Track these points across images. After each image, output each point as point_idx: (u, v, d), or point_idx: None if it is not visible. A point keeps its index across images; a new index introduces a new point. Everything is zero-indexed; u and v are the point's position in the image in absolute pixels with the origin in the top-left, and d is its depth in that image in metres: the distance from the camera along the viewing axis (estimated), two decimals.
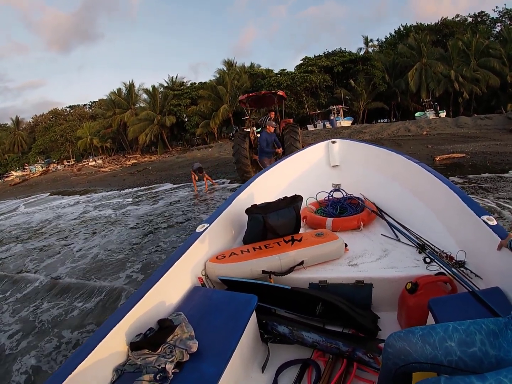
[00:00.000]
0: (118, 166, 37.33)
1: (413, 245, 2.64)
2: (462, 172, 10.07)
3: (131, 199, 13.29)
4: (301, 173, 4.50)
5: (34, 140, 63.06)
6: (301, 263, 2.39)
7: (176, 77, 52.02)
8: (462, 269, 2.20)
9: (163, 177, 19.26)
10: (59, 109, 69.64)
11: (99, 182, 24.18)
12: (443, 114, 35.80)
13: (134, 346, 1.63)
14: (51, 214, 12.73)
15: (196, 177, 12.61)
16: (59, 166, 54.78)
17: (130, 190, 16.33)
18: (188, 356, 1.60)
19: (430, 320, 1.78)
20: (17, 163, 62.96)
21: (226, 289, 2.32)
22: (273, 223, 2.70)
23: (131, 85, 49.63)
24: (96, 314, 4.02)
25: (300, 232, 2.90)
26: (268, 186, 3.87)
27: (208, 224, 2.60)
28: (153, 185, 16.58)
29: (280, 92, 11.48)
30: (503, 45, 38.49)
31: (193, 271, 2.31)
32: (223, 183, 13.68)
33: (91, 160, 52.58)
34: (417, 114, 37.68)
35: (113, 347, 1.60)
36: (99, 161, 49.16)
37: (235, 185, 12.27)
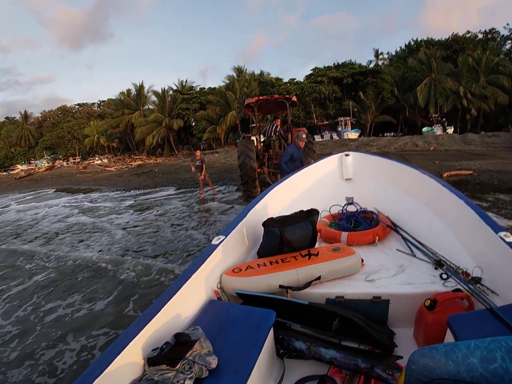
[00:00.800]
0: (123, 167, 37.65)
1: (429, 261, 2.64)
2: (468, 189, 10.07)
3: (133, 201, 13.48)
4: (314, 186, 4.49)
5: (41, 135, 63.43)
6: (319, 278, 2.37)
7: (186, 81, 52.54)
8: (478, 285, 2.19)
9: (169, 180, 19.33)
10: (68, 106, 70.35)
11: (104, 181, 24.34)
12: (450, 130, 35.83)
13: (152, 361, 1.59)
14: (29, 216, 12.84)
15: (193, 167, 12.35)
16: (64, 163, 55.28)
17: (136, 192, 16.39)
18: (207, 372, 1.57)
19: (449, 337, 1.77)
20: (23, 157, 63.24)
21: (241, 303, 2.29)
22: (290, 237, 2.67)
23: (141, 87, 50.03)
24: None
25: (315, 246, 2.88)
26: (282, 199, 3.86)
27: (224, 236, 2.58)
28: (159, 188, 16.67)
29: (294, 98, 10.65)
30: None
31: (209, 284, 2.29)
32: (227, 192, 13.19)
33: (97, 158, 53.01)
34: (424, 129, 37.63)
35: (129, 361, 1.58)
36: (105, 160, 49.57)
37: (236, 195, 12.17)
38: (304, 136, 6.71)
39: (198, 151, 12.80)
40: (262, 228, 2.76)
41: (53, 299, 4.84)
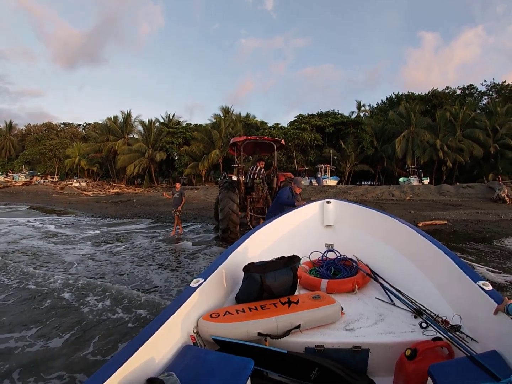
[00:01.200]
0: (101, 192, 37.12)
1: (409, 310, 2.68)
2: (442, 238, 10.24)
3: (103, 229, 12.92)
4: (295, 231, 4.49)
5: (23, 149, 62.84)
6: (298, 326, 2.34)
7: (173, 115, 53.24)
8: (458, 333, 2.24)
9: (147, 211, 18.97)
10: (53, 123, 70.16)
11: (80, 205, 23.83)
12: (426, 181, 37.32)
13: None
14: None
15: (170, 196, 11.83)
16: (42, 180, 54.20)
17: (112, 220, 15.95)
18: None
19: None
20: (1, 167, 62.09)
21: (218, 349, 2.22)
22: (270, 284, 2.64)
23: (128, 115, 50.58)
24: None
25: (295, 293, 2.87)
26: (262, 243, 3.84)
27: (203, 279, 2.53)
28: (135, 219, 16.26)
29: (282, 141, 10.23)
30: (488, 117, 41.17)
31: (185, 328, 2.22)
32: (202, 232, 12.26)
33: (75, 181, 52.35)
34: (401, 180, 38.98)
35: None
36: (83, 184, 48.92)
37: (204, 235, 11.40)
38: (302, 182, 6.33)
39: (179, 184, 12.49)
40: (242, 272, 2.72)
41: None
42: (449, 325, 2.33)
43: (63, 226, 13.93)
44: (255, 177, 10.18)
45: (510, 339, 1.86)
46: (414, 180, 36.88)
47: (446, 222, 13.43)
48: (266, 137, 10.86)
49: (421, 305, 2.69)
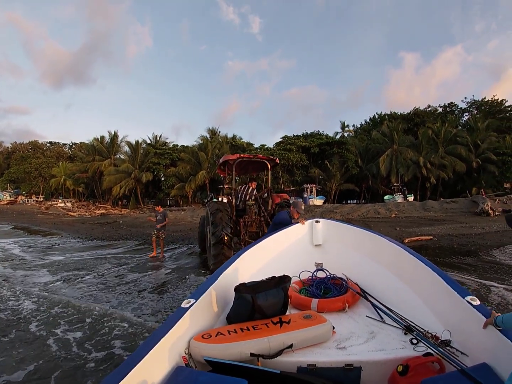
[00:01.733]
0: (87, 213, 36.65)
1: (399, 327, 2.71)
2: (428, 254, 10.39)
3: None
4: (285, 251, 4.50)
5: (8, 167, 62.01)
6: (290, 346, 2.34)
7: (160, 136, 53.72)
8: (448, 348, 2.29)
9: (133, 233, 18.65)
10: (40, 142, 69.79)
11: (66, 226, 23.49)
12: (411, 198, 37.92)
13: None
14: None
15: (154, 219, 11.43)
16: (27, 200, 53.63)
17: (99, 242, 15.54)
18: None
19: None
20: None
21: (210, 370, 2.19)
22: (262, 304, 2.64)
23: (115, 135, 50.51)
24: None
25: (287, 313, 2.88)
26: (252, 263, 3.86)
27: (194, 300, 2.53)
28: (122, 241, 15.88)
29: (277, 160, 9.72)
30: (470, 133, 42.72)
31: (177, 349, 2.20)
32: (189, 254, 11.63)
33: (60, 201, 51.85)
34: (386, 197, 39.54)
35: None
36: (69, 204, 48.44)
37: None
38: (303, 207, 5.65)
39: (159, 206, 12.17)
40: (233, 292, 2.73)
41: None
42: (439, 340, 2.37)
43: (51, 249, 13.53)
44: (247, 198, 9.44)
45: (499, 351, 1.90)
46: (398, 198, 37.54)
47: (431, 237, 13.62)
48: (260, 155, 9.96)
49: (411, 321, 2.73)
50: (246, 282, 2.79)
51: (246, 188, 9.59)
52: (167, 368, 2.05)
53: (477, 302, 2.26)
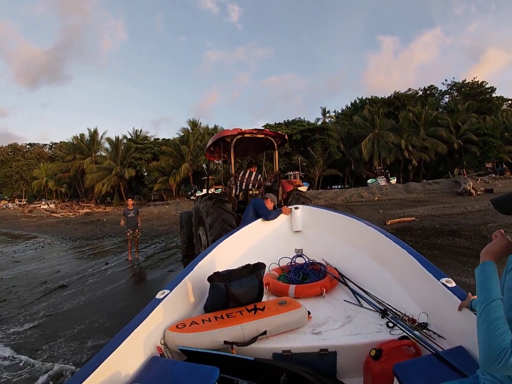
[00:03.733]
0: (70, 214, 36.08)
1: (376, 310, 2.70)
2: (413, 235, 10.46)
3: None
4: (264, 238, 4.49)
5: None
6: (264, 332, 2.33)
7: (141, 130, 52.87)
8: (425, 330, 2.27)
9: (118, 231, 18.32)
10: (19, 144, 68.10)
11: (50, 228, 23.09)
12: (393, 180, 38.37)
13: None
14: None
15: (123, 221, 9.81)
16: (10, 204, 52.58)
17: (80, 242, 15.26)
18: None
19: None
20: None
21: (186, 360, 2.21)
22: (236, 292, 2.63)
23: (95, 132, 49.70)
24: None
25: (263, 300, 2.87)
26: (231, 252, 3.83)
27: (169, 291, 2.52)
28: (106, 239, 15.57)
29: (286, 136, 7.68)
30: (450, 115, 43.47)
31: (151, 340, 2.20)
32: (172, 252, 10.70)
33: (43, 203, 50.94)
34: (369, 181, 40.00)
35: None
36: (52, 205, 47.61)
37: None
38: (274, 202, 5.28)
39: (131, 200, 10.84)
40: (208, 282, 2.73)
41: None
42: (416, 323, 2.34)
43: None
44: (250, 187, 7.54)
45: (475, 334, 1.87)
46: (381, 181, 37.92)
47: (414, 218, 13.73)
48: (267, 130, 7.43)
49: (388, 304, 2.72)
50: (221, 271, 2.79)
51: (246, 174, 7.58)
52: (142, 358, 2.04)
53: (452, 284, 2.23)
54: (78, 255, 11.44)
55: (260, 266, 2.86)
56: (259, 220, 4.66)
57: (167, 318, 2.42)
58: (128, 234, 9.80)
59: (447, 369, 1.72)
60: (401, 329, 2.30)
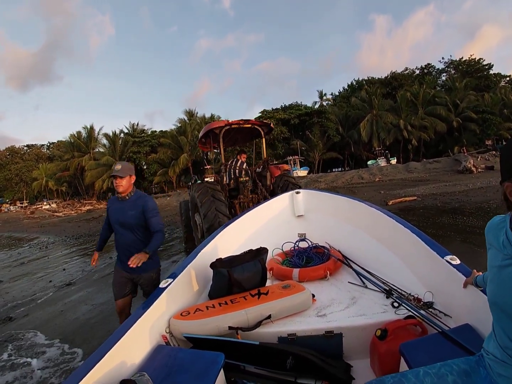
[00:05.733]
0: (72, 212, 36.01)
1: (381, 291, 2.69)
2: (415, 214, 10.39)
3: None
4: (266, 224, 4.48)
5: None
6: (269, 317, 2.34)
7: (137, 124, 52.40)
8: (430, 309, 2.26)
9: None
10: (17, 147, 67.80)
11: (52, 227, 22.98)
12: (394, 161, 38.15)
13: None
14: None
15: None
16: (11, 207, 52.64)
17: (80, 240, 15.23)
18: None
19: (403, 365, 1.77)
20: None
21: (191, 347, 2.22)
22: (239, 277, 2.64)
23: (91, 129, 49.34)
24: None
25: (267, 285, 2.87)
26: (233, 238, 3.82)
27: (172, 280, 2.52)
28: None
29: (272, 124, 8.19)
30: (448, 93, 43.22)
31: (156, 329, 2.21)
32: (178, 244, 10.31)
33: (45, 203, 50.86)
34: (369, 162, 39.85)
35: None
36: (53, 205, 47.58)
37: None
38: None
39: None
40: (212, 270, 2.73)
41: None
42: (422, 303, 2.33)
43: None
44: (239, 175, 7.85)
45: (481, 311, 1.85)
46: (382, 162, 37.70)
47: (415, 198, 13.62)
48: (253, 120, 7.99)
49: (393, 285, 2.71)
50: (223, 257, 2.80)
51: (235, 162, 7.95)
52: (148, 347, 2.07)
53: (457, 261, 2.21)
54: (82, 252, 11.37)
55: (262, 251, 2.87)
56: (261, 206, 4.65)
57: (171, 307, 2.43)
58: None
59: (453, 347, 1.72)
60: (407, 309, 2.28)
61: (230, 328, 2.22)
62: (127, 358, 1.87)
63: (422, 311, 2.23)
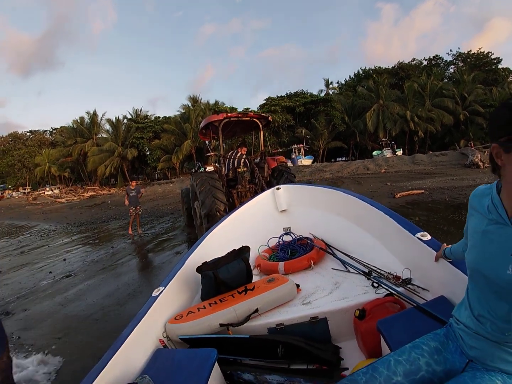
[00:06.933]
0: (75, 198, 36.19)
1: (361, 273, 2.78)
2: (424, 208, 10.24)
3: None
4: (252, 223, 4.57)
5: None
6: (256, 310, 2.47)
7: (141, 110, 52.20)
8: (409, 286, 2.38)
9: (122, 212, 18.21)
10: (19, 132, 67.34)
11: (54, 214, 23.12)
12: (399, 152, 37.84)
13: None
14: None
15: (127, 200, 11.01)
16: (14, 193, 52.90)
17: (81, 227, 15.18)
18: None
19: (383, 342, 1.85)
20: None
21: (188, 347, 2.36)
22: (224, 277, 2.78)
23: (94, 115, 49.17)
24: None
25: (254, 281, 2.99)
26: (220, 241, 3.90)
27: (163, 287, 2.65)
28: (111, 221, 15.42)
29: (270, 117, 8.64)
30: (456, 86, 42.55)
31: (154, 334, 2.34)
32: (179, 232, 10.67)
33: (47, 189, 51.03)
34: (374, 153, 39.54)
35: None
36: (56, 191, 47.69)
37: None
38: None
39: (134, 181, 12.01)
40: None
41: None
42: (401, 280, 2.45)
43: None
44: (237, 165, 8.26)
45: (454, 283, 1.95)
46: (387, 153, 37.46)
47: (423, 191, 13.47)
48: (251, 113, 8.49)
49: (374, 266, 2.82)
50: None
51: (234, 154, 8.41)
52: (147, 352, 2.17)
53: (427, 237, 2.33)
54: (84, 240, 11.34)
55: (244, 250, 3.02)
56: (245, 206, 4.75)
57: (165, 313, 2.57)
58: (131, 211, 11.01)
59: (428, 319, 1.79)
60: (384, 287, 2.37)
61: (221, 325, 2.36)
62: (128, 364, 1.97)
63: (400, 288, 2.34)
